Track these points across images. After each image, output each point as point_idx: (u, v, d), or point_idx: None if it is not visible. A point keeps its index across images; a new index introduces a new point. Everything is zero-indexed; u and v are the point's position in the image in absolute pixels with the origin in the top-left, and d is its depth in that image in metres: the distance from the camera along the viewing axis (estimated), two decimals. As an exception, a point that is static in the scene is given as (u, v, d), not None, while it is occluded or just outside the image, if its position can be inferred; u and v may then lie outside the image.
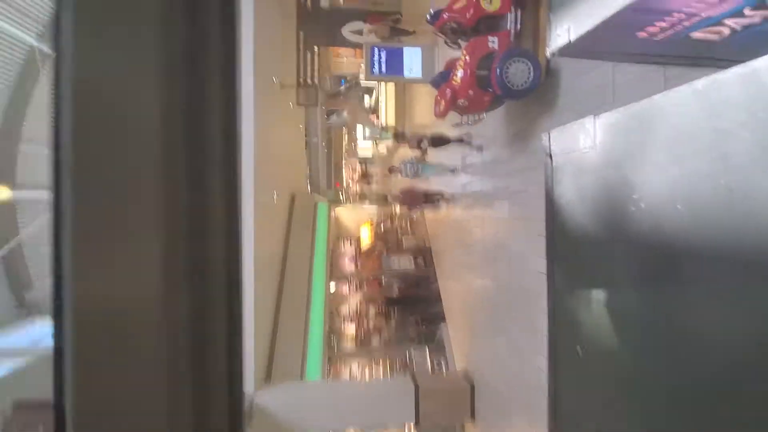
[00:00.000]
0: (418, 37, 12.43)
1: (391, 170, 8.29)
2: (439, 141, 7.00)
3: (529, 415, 4.66)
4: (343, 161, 25.12)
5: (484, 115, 4.39)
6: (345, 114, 20.81)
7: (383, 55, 8.88)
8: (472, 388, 6.50)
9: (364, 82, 14.98)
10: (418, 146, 7.44)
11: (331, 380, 8.66)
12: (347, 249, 13.51)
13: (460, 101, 3.98)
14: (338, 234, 13.51)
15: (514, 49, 3.81)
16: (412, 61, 8.95)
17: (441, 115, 4.30)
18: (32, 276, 12.67)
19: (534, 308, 4.54)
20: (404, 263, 9.48)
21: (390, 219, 12.17)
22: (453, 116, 5.12)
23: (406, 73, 8.92)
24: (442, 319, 8.40)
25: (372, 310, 12.40)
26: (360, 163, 25.87)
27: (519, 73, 3.79)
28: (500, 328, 5.39)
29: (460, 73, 3.94)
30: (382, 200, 17.30)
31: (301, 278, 8.63)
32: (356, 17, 13.73)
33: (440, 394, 6.45)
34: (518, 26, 3.85)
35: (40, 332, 11.58)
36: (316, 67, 8.55)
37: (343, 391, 6.72)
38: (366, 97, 16.82)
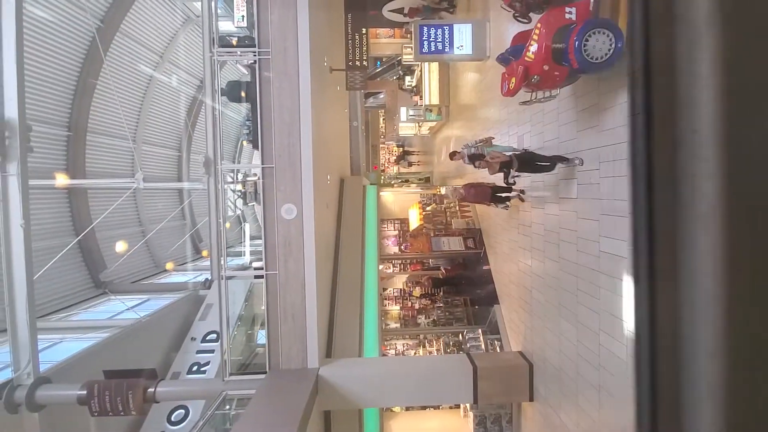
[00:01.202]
0: (458, 14, 12.04)
1: (453, 156, 6.96)
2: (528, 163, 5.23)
3: (599, 395, 4.61)
4: (380, 144, 25.06)
5: (558, 91, 4.23)
6: (382, 96, 20.66)
7: (433, 33, 8.70)
8: (531, 368, 6.49)
9: (406, 62, 14.74)
10: (474, 162, 6.12)
11: (390, 358, 8.89)
12: (390, 231, 13.62)
13: (534, 77, 3.85)
14: (380, 216, 13.62)
15: (594, 20, 3.62)
16: (462, 38, 8.73)
17: (510, 93, 4.19)
18: (105, 258, 13.76)
19: (604, 289, 4.44)
20: (454, 244, 9.44)
21: (436, 201, 12.09)
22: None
23: (456, 51, 8.73)
24: (495, 300, 8.36)
25: (416, 291, 12.51)
26: (398, 145, 25.73)
27: (599, 45, 3.61)
28: (566, 310, 5.31)
29: (533, 47, 3.81)
30: (426, 183, 17.19)
31: (354, 259, 8.83)
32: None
33: (499, 375, 6.48)
34: (599, -5, 3.65)
35: (114, 308, 12.59)
36: (365, 49, 8.49)
37: (401, 368, 6.90)
38: (407, 78, 16.58)
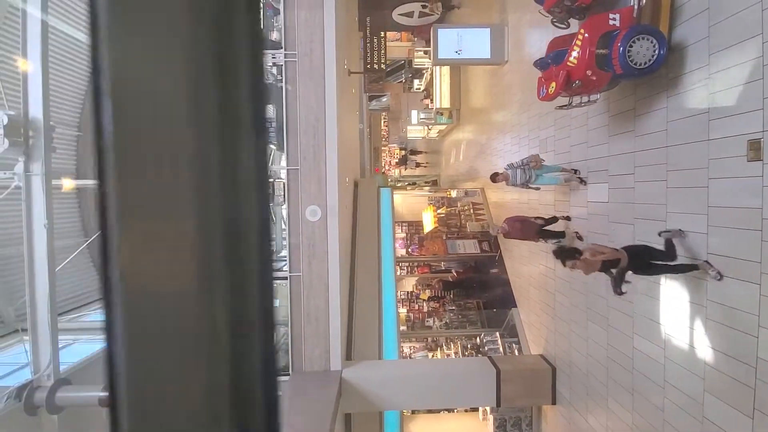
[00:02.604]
0: (463, 12, 12.09)
1: (495, 178, 5.74)
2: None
3: (633, 398, 4.63)
4: (381, 146, 25.09)
5: (599, 95, 4.27)
6: (385, 99, 20.71)
7: (450, 37, 8.75)
8: (554, 371, 6.51)
9: (417, 65, 14.79)
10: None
11: (411, 360, 8.89)
12: (398, 233, 13.64)
13: (576, 82, 3.89)
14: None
15: (639, 26, 3.66)
16: (480, 42, 8.78)
17: (549, 98, 4.23)
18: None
19: (639, 294, 4.47)
20: (469, 247, 9.47)
21: (447, 204, 12.13)
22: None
23: (474, 55, 8.77)
24: (512, 303, 8.38)
25: (424, 294, 12.51)
26: (400, 148, 25.78)
27: (643, 50, 3.65)
28: (595, 313, 5.34)
29: (575, 52, 3.84)
30: (434, 186, 17.23)
31: (370, 261, 8.83)
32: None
33: (521, 378, 6.49)
34: (642, 1, 3.69)
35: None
36: (383, 52, 8.52)
37: (423, 370, 6.90)
38: (416, 81, 16.64)
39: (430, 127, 14.98)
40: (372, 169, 21.12)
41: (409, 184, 18.96)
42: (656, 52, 3.64)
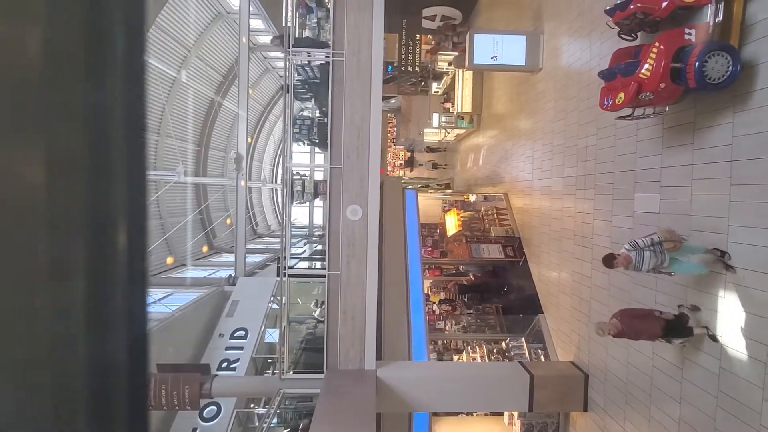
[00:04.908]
0: (489, 16, 12.14)
1: (612, 261, 4.24)
2: None
3: (680, 407, 4.69)
4: (387, 148, 25.13)
5: (667, 108, 4.33)
6: (393, 101, 20.75)
7: (486, 43, 8.81)
8: (586, 378, 6.56)
9: (440, 69, 14.85)
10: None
11: (442, 362, 8.92)
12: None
13: (645, 94, 3.95)
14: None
15: (715, 42, 3.73)
16: (516, 48, 8.85)
17: (615, 108, 4.28)
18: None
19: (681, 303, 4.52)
20: (493, 252, 9.53)
21: (467, 208, 12.18)
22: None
23: (509, 61, 8.84)
24: (537, 309, 8.44)
25: (435, 297, 12.55)
26: (407, 150, 25.83)
27: (718, 66, 3.72)
28: (638, 322, 5.39)
29: (648, 65, 3.90)
30: (447, 190, 17.27)
31: (397, 262, 8.86)
32: (435, 1, 13.56)
33: (554, 384, 6.55)
34: (718, 18, 3.76)
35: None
36: (417, 55, 8.57)
37: (454, 373, 6.94)
38: (434, 84, 16.69)
39: (448, 130, 15.04)
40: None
41: (421, 187, 19.01)
42: (730, 68, 3.71)
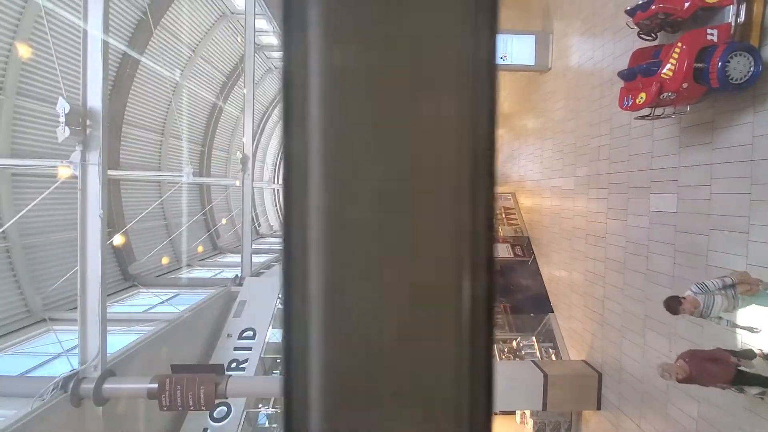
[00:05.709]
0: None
1: (678, 308, 3.77)
2: None
3: (699, 406, 4.71)
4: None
5: (688, 108, 4.35)
6: None
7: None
8: (599, 377, 6.59)
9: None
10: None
11: None
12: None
13: (667, 94, 3.97)
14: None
15: (737, 43, 3.75)
16: (525, 48, 8.86)
17: (635, 108, 4.30)
18: (135, 251, 13.64)
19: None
20: (502, 251, 9.55)
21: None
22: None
23: (519, 61, 8.85)
24: (547, 308, 8.47)
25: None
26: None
27: (740, 66, 3.74)
28: (655, 322, 5.41)
29: (670, 65, 3.92)
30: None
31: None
32: None
33: (568, 383, 6.57)
34: (740, 18, 3.78)
35: (146, 301, 12.47)
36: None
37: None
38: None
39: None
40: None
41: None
42: (752, 69, 3.73)
